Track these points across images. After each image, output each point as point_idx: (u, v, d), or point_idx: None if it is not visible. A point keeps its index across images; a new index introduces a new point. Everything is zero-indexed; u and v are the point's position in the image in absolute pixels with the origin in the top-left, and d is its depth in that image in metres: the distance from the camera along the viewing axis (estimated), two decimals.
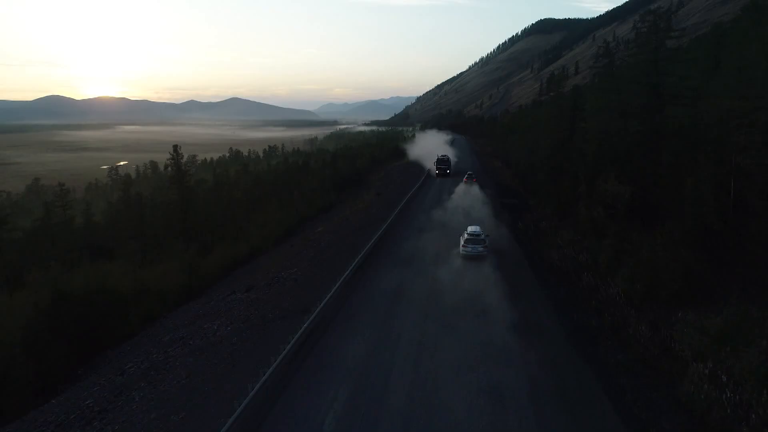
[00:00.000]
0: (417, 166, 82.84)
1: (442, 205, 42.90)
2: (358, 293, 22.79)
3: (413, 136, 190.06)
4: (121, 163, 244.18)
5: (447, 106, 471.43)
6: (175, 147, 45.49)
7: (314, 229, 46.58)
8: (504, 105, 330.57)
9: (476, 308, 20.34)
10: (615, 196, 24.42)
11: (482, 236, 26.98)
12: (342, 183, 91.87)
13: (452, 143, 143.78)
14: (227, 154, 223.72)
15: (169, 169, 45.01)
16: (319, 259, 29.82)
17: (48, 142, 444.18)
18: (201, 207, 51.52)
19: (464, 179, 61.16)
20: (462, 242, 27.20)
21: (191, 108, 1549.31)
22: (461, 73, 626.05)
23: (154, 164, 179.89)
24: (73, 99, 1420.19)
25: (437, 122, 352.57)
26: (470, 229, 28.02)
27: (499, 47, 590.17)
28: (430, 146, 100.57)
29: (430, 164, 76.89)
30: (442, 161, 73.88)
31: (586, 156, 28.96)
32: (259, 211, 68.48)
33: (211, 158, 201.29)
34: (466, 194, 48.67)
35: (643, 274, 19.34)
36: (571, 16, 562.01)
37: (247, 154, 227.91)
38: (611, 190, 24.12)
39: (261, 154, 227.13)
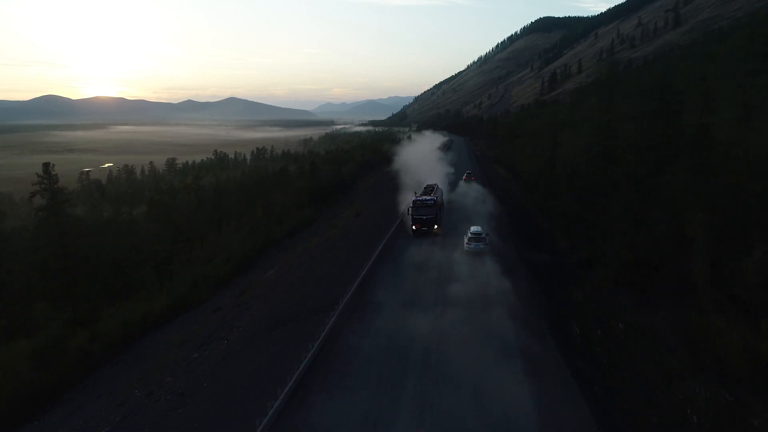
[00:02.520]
0: (405, 180, 59.75)
1: (426, 264, 28.42)
2: None
3: (409, 137, 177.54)
4: (106, 165, 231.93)
5: (445, 105, 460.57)
6: (46, 166, 32.98)
7: (265, 271, 34.83)
8: (503, 105, 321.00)
9: None
10: None
11: (483, 235, 30.25)
12: (324, 193, 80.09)
13: (449, 147, 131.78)
14: (212, 157, 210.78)
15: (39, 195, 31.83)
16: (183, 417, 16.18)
17: (37, 142, 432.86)
18: (107, 246, 37.59)
19: (464, 177, 63.35)
20: (466, 240, 30.21)
21: (188, 108, 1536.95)
22: (459, 73, 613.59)
23: (130, 168, 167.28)
24: (69, 99, 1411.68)
25: (435, 122, 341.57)
26: (473, 229, 31.07)
27: (498, 46, 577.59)
28: (424, 151, 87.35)
29: (413, 193, 40.11)
30: (423, 204, 36.21)
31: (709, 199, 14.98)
32: (216, 232, 56.61)
33: (190, 162, 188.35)
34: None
35: None
36: (570, 15, 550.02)
37: (233, 157, 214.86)
38: None
39: (248, 157, 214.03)
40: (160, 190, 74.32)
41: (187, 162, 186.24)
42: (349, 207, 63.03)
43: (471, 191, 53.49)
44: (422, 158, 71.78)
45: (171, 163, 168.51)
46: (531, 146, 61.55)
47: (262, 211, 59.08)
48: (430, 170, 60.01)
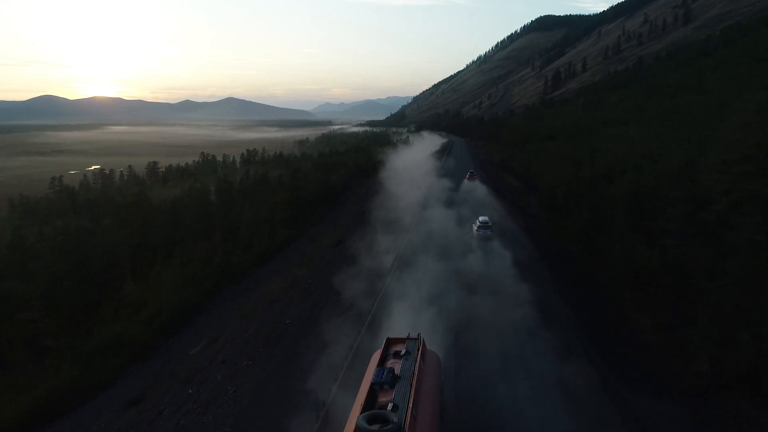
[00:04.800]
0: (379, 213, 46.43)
1: None
2: None
3: (406, 140, 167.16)
4: (92, 167, 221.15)
5: (444, 105, 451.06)
6: None
7: (195, 340, 24.34)
8: (504, 104, 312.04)
9: None
10: None
11: (490, 224, 35.07)
12: (308, 207, 69.90)
13: (449, 151, 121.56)
14: (198, 159, 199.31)
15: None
16: None
17: (27, 143, 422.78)
18: None
19: (466, 176, 60.78)
20: (475, 228, 34.92)
21: (186, 108, 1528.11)
22: (459, 72, 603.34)
23: (107, 173, 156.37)
24: (66, 99, 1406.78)
25: (434, 122, 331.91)
26: (481, 218, 35.49)
27: (497, 45, 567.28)
28: (419, 159, 76.95)
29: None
30: None
31: None
32: (165, 263, 45.86)
33: (174, 165, 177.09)
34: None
35: None
36: (570, 14, 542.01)
37: (221, 160, 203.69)
38: None
39: (238, 159, 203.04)
40: (97, 208, 63.04)
41: (170, 165, 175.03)
42: (333, 228, 52.81)
43: (480, 217, 40.02)
44: (415, 169, 61.29)
45: (152, 167, 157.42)
46: (551, 151, 51.42)
47: (222, 234, 48.25)
48: (425, 187, 49.64)
